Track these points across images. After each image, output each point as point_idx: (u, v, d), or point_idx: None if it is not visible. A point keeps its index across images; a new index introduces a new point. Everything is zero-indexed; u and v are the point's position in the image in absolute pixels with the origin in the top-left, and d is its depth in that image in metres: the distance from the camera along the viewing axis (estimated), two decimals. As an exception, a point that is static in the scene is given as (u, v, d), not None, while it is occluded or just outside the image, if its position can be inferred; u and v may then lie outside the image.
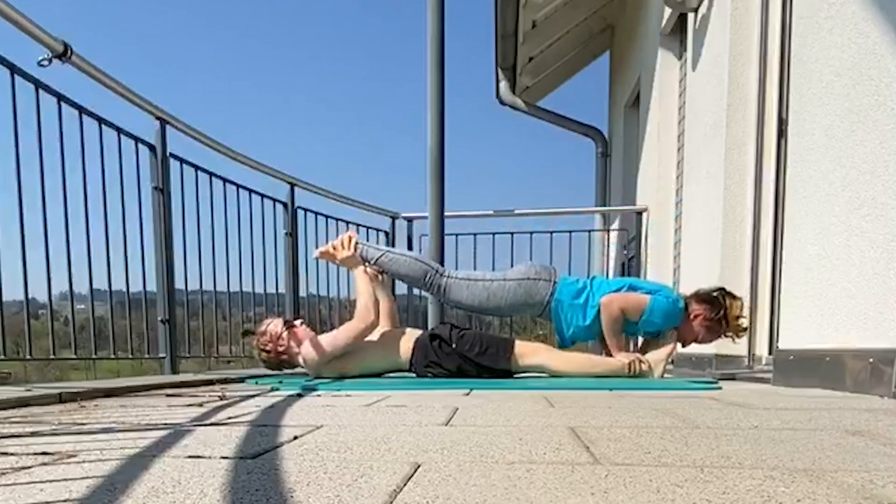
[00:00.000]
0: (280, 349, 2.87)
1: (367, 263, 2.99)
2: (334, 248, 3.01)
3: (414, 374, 2.87)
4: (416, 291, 5.54)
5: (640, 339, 3.10)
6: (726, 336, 2.83)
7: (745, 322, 2.81)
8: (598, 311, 2.85)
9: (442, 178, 4.31)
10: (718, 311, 2.80)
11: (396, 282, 5.01)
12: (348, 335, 2.81)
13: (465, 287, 2.95)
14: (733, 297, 2.81)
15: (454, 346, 2.79)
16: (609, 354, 2.87)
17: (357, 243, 3.01)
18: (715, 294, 2.83)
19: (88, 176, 2.64)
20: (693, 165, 3.56)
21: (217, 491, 0.73)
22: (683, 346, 2.98)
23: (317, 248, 4.46)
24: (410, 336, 2.89)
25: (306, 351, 2.83)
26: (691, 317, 2.84)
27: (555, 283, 2.91)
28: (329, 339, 2.82)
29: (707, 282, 3.11)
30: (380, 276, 3.06)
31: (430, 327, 3.22)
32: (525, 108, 6.25)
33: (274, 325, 2.92)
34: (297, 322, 2.98)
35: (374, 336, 2.89)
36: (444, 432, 1.18)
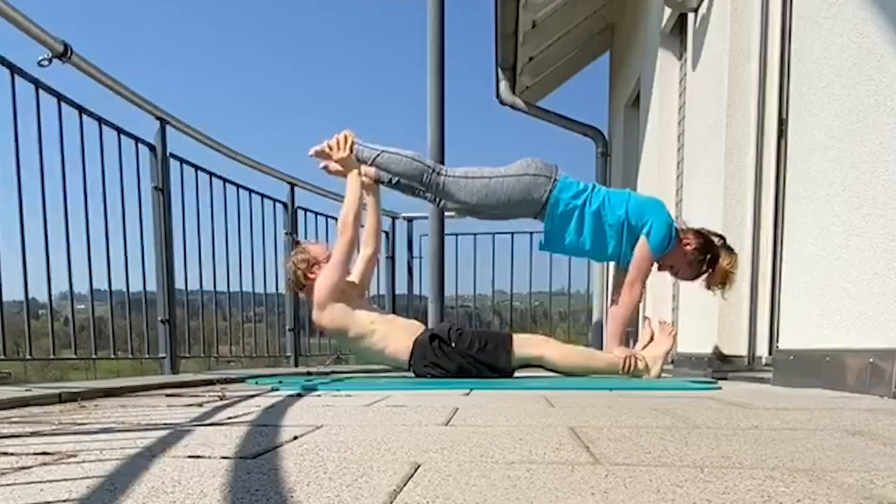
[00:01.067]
0: (311, 276, 2.86)
1: (363, 165, 2.93)
2: (330, 148, 2.93)
3: (413, 374, 2.87)
4: (415, 291, 5.54)
5: (639, 336, 3.10)
6: (709, 286, 2.80)
7: (732, 277, 2.76)
8: (592, 224, 2.83)
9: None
10: (708, 251, 2.77)
11: (394, 279, 5.01)
12: (338, 250, 2.83)
13: (463, 185, 2.88)
14: (730, 250, 2.78)
15: (454, 344, 2.78)
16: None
17: (353, 143, 2.94)
18: (715, 238, 2.81)
19: (88, 176, 2.65)
20: (693, 165, 3.56)
21: (217, 491, 0.73)
22: (659, 269, 2.96)
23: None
24: (410, 333, 2.88)
25: (318, 282, 2.82)
26: (681, 243, 2.82)
27: (555, 180, 2.84)
28: (327, 266, 2.84)
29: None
30: (375, 186, 3.01)
31: (428, 326, 3.21)
32: (525, 108, 6.25)
33: (319, 250, 2.95)
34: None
35: (376, 313, 2.88)
36: (444, 432, 1.18)
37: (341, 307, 2.82)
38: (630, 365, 2.77)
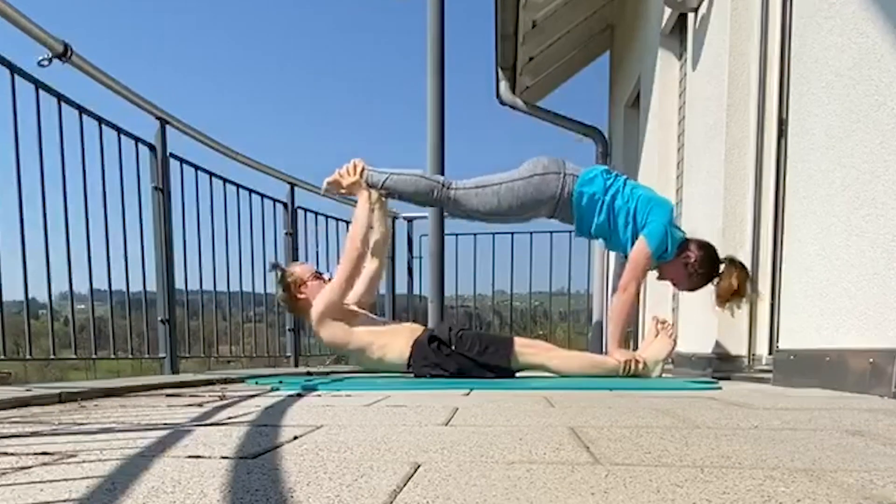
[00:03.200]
0: (300, 295, 2.91)
1: (372, 189, 2.98)
2: (340, 176, 3.00)
3: (412, 375, 2.87)
4: (415, 291, 5.54)
5: (639, 337, 3.10)
6: (717, 302, 2.77)
7: (738, 294, 2.72)
8: (621, 218, 2.83)
9: (442, 178, 4.31)
10: (711, 269, 2.77)
11: (394, 279, 5.00)
12: (342, 269, 2.85)
13: (473, 195, 2.90)
14: (737, 267, 2.73)
15: (453, 347, 2.79)
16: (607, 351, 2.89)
17: (363, 169, 3.00)
18: (722, 257, 2.79)
19: (88, 176, 2.64)
20: (693, 165, 3.56)
21: (217, 491, 0.73)
22: (658, 277, 2.96)
23: (317, 248, 4.48)
24: (410, 336, 2.89)
25: (317, 300, 2.86)
26: (683, 255, 2.81)
27: (565, 174, 2.84)
28: (329, 284, 2.87)
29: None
30: (385, 200, 3.06)
31: (429, 326, 3.22)
32: (525, 108, 6.25)
33: (303, 269, 3.00)
34: (326, 276, 3.03)
35: (376, 327, 2.89)
36: (444, 432, 1.18)
37: (339, 325, 2.85)
38: (630, 368, 2.77)
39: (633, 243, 2.86)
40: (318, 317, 2.83)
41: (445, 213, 3.12)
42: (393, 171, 3.01)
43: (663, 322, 3.00)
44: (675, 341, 2.92)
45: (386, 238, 3.19)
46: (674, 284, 2.98)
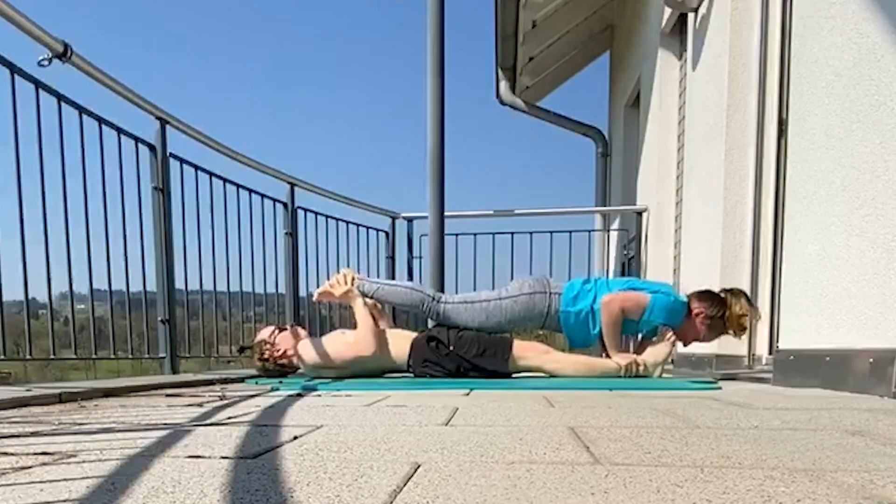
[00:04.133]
0: (277, 354, 2.91)
1: (365, 297, 3.03)
2: (331, 286, 3.05)
3: (412, 375, 2.87)
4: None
5: (639, 338, 3.10)
6: (729, 334, 2.82)
7: (746, 320, 2.79)
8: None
9: (442, 179, 4.31)
10: (719, 309, 2.79)
11: (394, 279, 5.01)
12: (350, 355, 2.86)
13: (462, 310, 2.98)
14: (736, 294, 2.79)
15: (451, 348, 2.80)
16: (607, 354, 2.88)
17: (354, 278, 3.06)
18: (717, 292, 2.83)
19: (88, 176, 2.64)
20: (693, 165, 3.56)
21: (217, 491, 0.73)
22: (685, 345, 2.98)
23: (316, 248, 4.48)
24: (408, 337, 2.91)
25: (306, 352, 2.86)
26: (693, 314, 2.84)
27: (551, 293, 2.91)
28: (332, 351, 2.87)
29: (707, 282, 3.11)
30: (378, 306, 3.14)
31: (428, 326, 3.22)
32: (525, 108, 6.25)
33: (264, 333, 3.01)
34: (287, 326, 3.09)
35: (374, 346, 2.91)
36: (444, 432, 1.18)
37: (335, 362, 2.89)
38: (631, 371, 2.77)
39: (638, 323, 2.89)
40: (315, 367, 2.86)
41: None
42: (384, 283, 3.13)
43: (663, 326, 2.99)
44: (674, 343, 2.92)
45: (389, 322, 3.24)
46: (701, 341, 2.99)
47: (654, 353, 2.86)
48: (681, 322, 2.84)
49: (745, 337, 2.86)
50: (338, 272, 3.11)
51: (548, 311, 2.91)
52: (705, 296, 2.84)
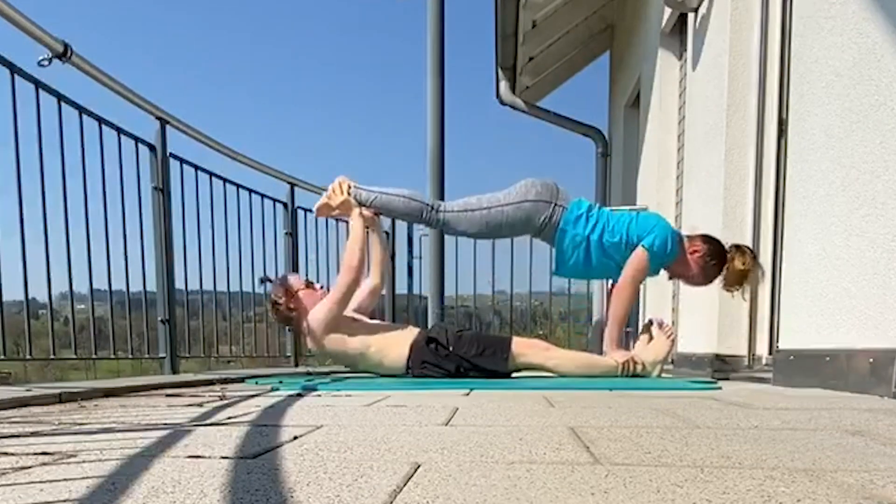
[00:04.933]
0: (291, 306, 2.90)
1: (362, 207, 2.98)
2: (329, 198, 3.00)
3: (412, 376, 2.87)
4: (415, 291, 5.54)
5: (637, 338, 3.10)
6: (727, 288, 2.79)
7: (748, 276, 2.74)
8: (597, 251, 2.85)
9: (442, 179, 4.32)
10: (719, 258, 2.78)
11: (394, 279, 5.00)
12: (340, 284, 2.84)
13: (463, 218, 2.92)
14: (742, 249, 2.76)
15: (451, 348, 2.79)
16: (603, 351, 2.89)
17: (350, 186, 3.00)
18: (723, 244, 2.81)
19: (88, 176, 2.64)
20: (693, 165, 3.56)
21: (217, 491, 0.73)
22: (670, 278, 2.99)
23: (317, 248, 4.48)
24: (408, 338, 2.88)
25: (311, 315, 2.85)
26: (689, 252, 2.82)
27: (556, 205, 2.85)
28: (326, 299, 2.85)
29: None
30: (377, 219, 3.07)
31: (429, 326, 3.22)
32: (525, 108, 6.25)
33: (295, 280, 2.99)
34: (318, 286, 3.02)
35: (374, 334, 2.89)
36: (444, 432, 1.18)
37: (337, 337, 2.85)
38: (629, 369, 2.77)
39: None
40: (316, 331, 2.84)
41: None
42: (382, 191, 3.04)
43: (661, 323, 3.00)
44: (673, 342, 2.92)
45: (385, 255, 3.20)
46: (688, 281, 2.98)
47: (653, 352, 2.86)
48: (675, 257, 2.84)
49: (744, 338, 2.86)
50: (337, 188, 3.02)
51: (547, 222, 2.85)
52: (710, 241, 2.83)
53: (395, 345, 2.87)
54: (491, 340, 2.85)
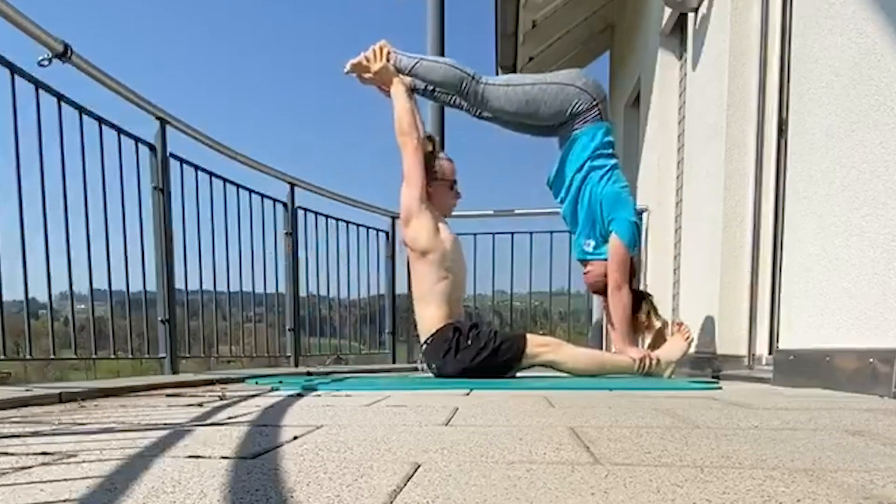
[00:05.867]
0: (429, 181, 2.83)
1: (401, 74, 2.87)
2: (367, 60, 2.87)
3: (422, 356, 2.87)
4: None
5: (648, 338, 3.11)
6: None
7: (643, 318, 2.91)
8: (587, 200, 2.90)
9: (442, 178, 4.30)
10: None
11: (394, 279, 5.00)
12: (407, 156, 2.77)
13: (503, 93, 2.83)
14: (643, 297, 2.94)
15: (469, 342, 2.72)
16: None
17: (389, 52, 2.88)
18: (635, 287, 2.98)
19: (88, 176, 2.64)
20: (693, 165, 3.56)
21: (217, 491, 0.73)
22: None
23: (317, 248, 4.48)
24: (448, 311, 2.82)
25: (402, 206, 2.81)
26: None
27: (595, 105, 2.81)
28: (406, 176, 2.79)
29: (707, 282, 3.11)
30: (412, 94, 2.95)
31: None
32: (525, 108, 6.25)
33: (450, 168, 2.94)
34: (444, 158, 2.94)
35: (450, 275, 2.82)
36: (444, 432, 1.18)
37: (428, 222, 2.77)
38: (646, 366, 2.75)
39: (604, 239, 2.91)
40: (406, 215, 2.76)
41: (471, 114, 2.99)
42: (423, 57, 2.89)
43: (679, 324, 2.99)
44: (689, 344, 2.91)
45: (419, 121, 3.02)
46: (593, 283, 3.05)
47: (668, 352, 2.84)
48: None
49: (744, 338, 2.86)
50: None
51: (578, 113, 2.80)
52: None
53: (444, 310, 2.80)
54: (506, 337, 2.78)
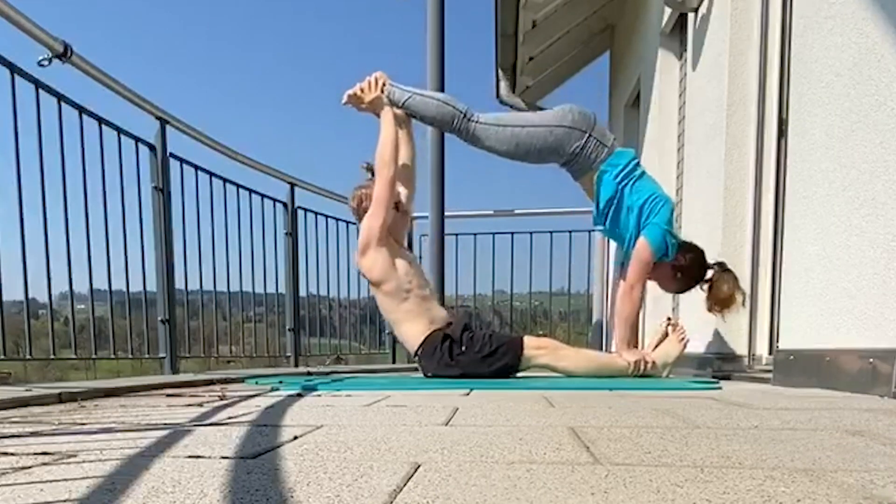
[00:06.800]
0: (364, 209, 2.85)
1: (394, 107, 2.90)
2: (361, 91, 2.91)
3: (417, 365, 2.85)
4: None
5: (647, 339, 3.10)
6: (709, 309, 2.81)
7: (730, 304, 2.75)
8: (626, 210, 2.84)
9: (442, 179, 4.31)
10: (698, 272, 2.81)
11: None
12: (379, 183, 2.77)
13: (493, 133, 2.83)
14: (730, 276, 2.76)
15: (464, 348, 2.73)
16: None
17: (385, 83, 2.91)
18: (709, 263, 2.83)
19: (88, 176, 2.65)
20: (693, 165, 3.56)
21: (217, 491, 0.73)
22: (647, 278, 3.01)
23: (317, 248, 4.48)
24: (431, 321, 2.81)
25: (365, 222, 2.79)
26: (672, 259, 2.84)
27: (589, 136, 2.80)
28: (373, 203, 2.78)
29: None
30: (410, 120, 2.98)
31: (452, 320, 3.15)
32: (525, 108, 6.25)
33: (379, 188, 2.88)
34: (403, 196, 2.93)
35: (412, 293, 2.80)
36: (444, 432, 1.18)
37: (384, 254, 2.76)
38: (640, 369, 2.75)
39: (635, 240, 2.87)
40: (363, 243, 2.76)
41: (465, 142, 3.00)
42: (416, 91, 2.92)
43: (675, 324, 2.99)
44: (685, 345, 2.91)
45: (413, 158, 3.06)
46: (659, 285, 3.00)
47: (664, 353, 2.84)
48: (659, 258, 2.85)
49: (744, 338, 2.86)
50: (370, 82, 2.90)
51: (578, 152, 2.79)
52: (694, 252, 2.85)
53: (420, 321, 2.79)
54: (502, 340, 2.80)
